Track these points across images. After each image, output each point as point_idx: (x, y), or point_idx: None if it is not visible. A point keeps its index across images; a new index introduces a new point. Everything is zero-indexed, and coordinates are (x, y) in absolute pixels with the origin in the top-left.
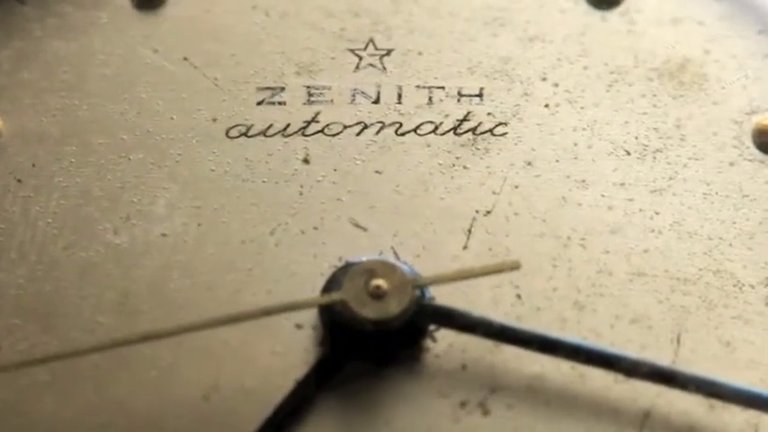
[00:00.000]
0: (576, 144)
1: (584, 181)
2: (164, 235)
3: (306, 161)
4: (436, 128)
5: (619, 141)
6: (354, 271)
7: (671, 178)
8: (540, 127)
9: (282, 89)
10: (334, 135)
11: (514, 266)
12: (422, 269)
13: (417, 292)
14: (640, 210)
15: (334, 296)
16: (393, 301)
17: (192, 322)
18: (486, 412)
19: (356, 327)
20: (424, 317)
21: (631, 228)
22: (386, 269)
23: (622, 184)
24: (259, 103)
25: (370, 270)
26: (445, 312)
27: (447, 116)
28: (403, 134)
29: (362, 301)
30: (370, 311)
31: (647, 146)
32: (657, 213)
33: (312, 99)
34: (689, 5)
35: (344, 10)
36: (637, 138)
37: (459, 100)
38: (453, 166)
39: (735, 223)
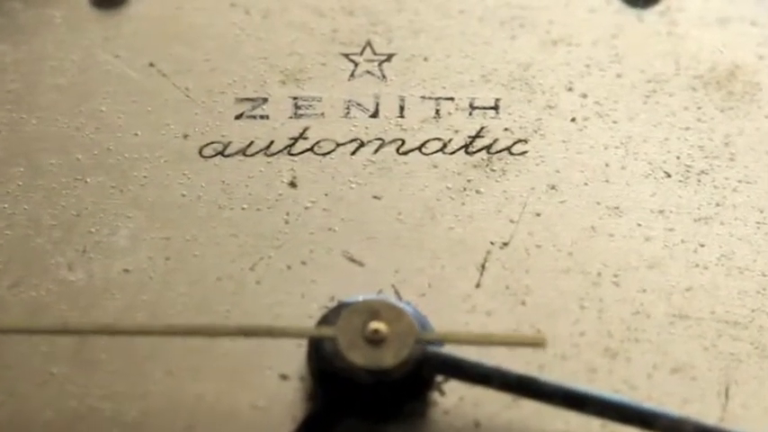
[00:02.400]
0: (607, 165)
1: (617, 208)
2: (126, 271)
3: (292, 184)
4: (444, 146)
5: (657, 162)
6: (353, 309)
7: (718, 204)
8: (566, 144)
9: (265, 100)
10: (325, 154)
11: (538, 343)
12: (427, 310)
13: (419, 347)
14: (682, 241)
15: (324, 331)
16: (390, 350)
17: (168, 325)
18: None
19: (348, 376)
20: (428, 367)
21: (672, 262)
22: (390, 312)
23: (661, 212)
24: (238, 117)
25: (372, 310)
26: (454, 362)
27: (457, 132)
28: (406, 153)
29: (355, 344)
30: (360, 357)
31: (690, 167)
32: (702, 246)
33: (300, 112)
34: (738, 3)
35: (337, 8)
36: (678, 157)
37: (471, 113)
38: (464, 190)
39: None
